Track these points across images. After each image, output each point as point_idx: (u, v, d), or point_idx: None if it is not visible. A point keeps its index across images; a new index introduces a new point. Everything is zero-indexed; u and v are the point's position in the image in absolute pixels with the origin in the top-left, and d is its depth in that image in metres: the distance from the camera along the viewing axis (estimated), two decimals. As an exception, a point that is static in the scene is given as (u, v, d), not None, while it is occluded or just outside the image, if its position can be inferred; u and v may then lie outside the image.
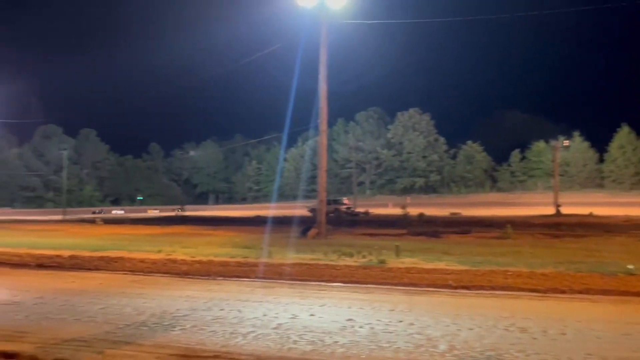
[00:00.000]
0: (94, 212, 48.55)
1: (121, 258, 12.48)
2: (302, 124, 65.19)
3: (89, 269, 11.30)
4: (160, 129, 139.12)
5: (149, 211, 42.82)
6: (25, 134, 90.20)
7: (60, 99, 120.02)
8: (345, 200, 51.69)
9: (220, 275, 10.10)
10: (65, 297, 7.89)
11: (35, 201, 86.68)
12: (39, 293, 8.26)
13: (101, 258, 12.56)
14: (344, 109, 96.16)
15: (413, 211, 36.33)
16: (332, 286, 8.85)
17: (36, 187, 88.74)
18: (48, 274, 10.87)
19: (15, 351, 4.41)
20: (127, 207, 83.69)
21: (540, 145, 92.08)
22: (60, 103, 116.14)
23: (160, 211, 47.28)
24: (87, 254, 13.24)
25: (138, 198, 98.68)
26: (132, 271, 10.91)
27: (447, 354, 4.78)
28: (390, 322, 6.03)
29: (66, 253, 13.35)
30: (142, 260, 12.07)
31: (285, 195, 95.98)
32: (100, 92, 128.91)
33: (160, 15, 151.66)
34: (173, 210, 50.43)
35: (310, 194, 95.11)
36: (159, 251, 13.45)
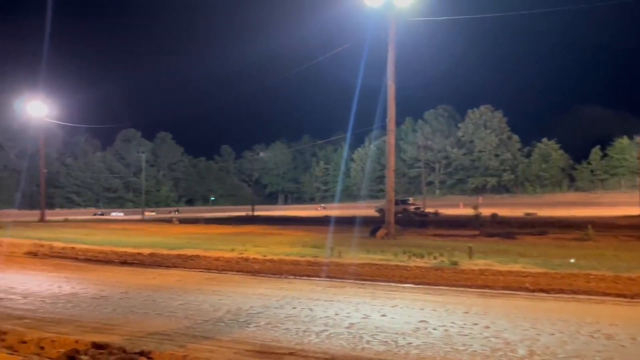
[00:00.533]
0: (94, 214, 50.42)
1: (197, 256, 12.95)
2: (369, 124, 65.03)
3: (167, 266, 11.82)
4: (232, 132, 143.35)
5: (146, 213, 43.74)
6: (108, 139, 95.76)
7: (138, 104, 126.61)
8: (411, 200, 50.96)
9: (291, 274, 10.25)
10: (147, 292, 8.30)
11: (116, 201, 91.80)
12: (124, 288, 8.74)
13: (178, 256, 13.09)
14: (412, 108, 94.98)
15: (485, 211, 35.19)
16: (403, 287, 8.76)
17: (118, 188, 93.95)
18: (130, 270, 11.47)
19: (105, 342, 4.70)
20: (202, 207, 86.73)
21: (623, 141, 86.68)
22: (139, 108, 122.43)
23: (156, 213, 48.35)
24: (165, 252, 13.84)
25: (211, 198, 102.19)
26: (208, 269, 11.30)
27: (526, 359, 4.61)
28: (465, 324, 5.89)
29: (146, 251, 14.02)
30: (216, 259, 12.48)
31: (352, 196, 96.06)
32: (175, 97, 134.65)
33: (230, 21, 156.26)
34: (169, 212, 51.26)
35: (377, 194, 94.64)
36: (232, 250, 13.84)
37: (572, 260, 10.11)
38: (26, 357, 3.72)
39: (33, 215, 42.89)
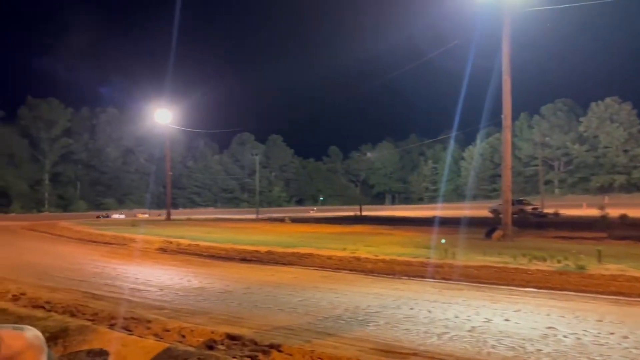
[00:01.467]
0: (97, 217, 51.09)
1: (310, 254, 13.28)
2: (480, 121, 62.51)
3: (283, 264, 12.27)
4: (339, 133, 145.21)
5: (138, 215, 43.30)
6: (224, 142, 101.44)
7: (251, 108, 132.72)
8: (528, 200, 48.15)
9: (405, 275, 10.18)
10: (268, 288, 8.70)
11: (232, 201, 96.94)
12: (246, 284, 9.23)
13: (293, 254, 13.52)
14: (527, 103, 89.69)
15: (612, 212, 32.37)
16: (525, 291, 8.35)
17: (233, 189, 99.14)
18: (250, 267, 12.06)
19: (238, 334, 5.01)
20: (316, 207, 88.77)
21: None
22: (252, 112, 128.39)
23: (149, 215, 48.26)
24: (280, 249, 14.34)
25: (320, 198, 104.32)
26: (322, 267, 11.57)
27: (675, 375, 4.20)
28: (599, 333, 5.49)
29: (263, 249, 14.63)
30: (329, 257, 12.72)
31: (463, 195, 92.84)
32: (285, 101, 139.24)
33: (337, 22, 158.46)
34: (159, 215, 51.13)
35: (490, 193, 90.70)
36: (344, 249, 14.00)
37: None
38: (172, 344, 4.07)
39: (159, 214, 46.55)
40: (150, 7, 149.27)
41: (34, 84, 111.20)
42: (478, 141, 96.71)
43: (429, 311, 6.78)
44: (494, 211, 39.90)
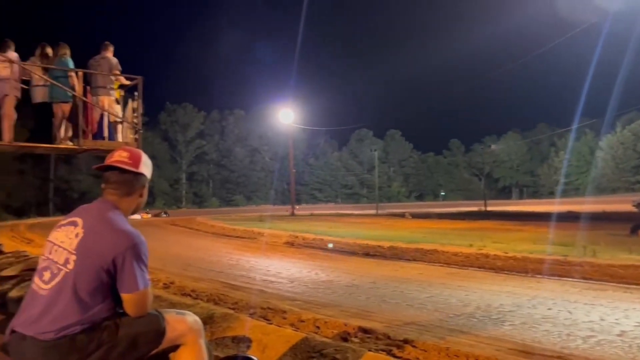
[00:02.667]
0: (157, 214, 47.11)
1: (435, 250, 13.02)
2: (621, 107, 56.74)
3: (407, 259, 12.17)
4: (460, 125, 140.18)
5: (143, 215, 38.36)
6: (343, 139, 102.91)
7: (369, 104, 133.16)
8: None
9: (538, 273, 9.61)
10: (394, 283, 8.69)
11: (352, 197, 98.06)
12: (371, 278, 9.31)
13: (416, 250, 13.35)
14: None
15: None
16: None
17: (353, 185, 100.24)
18: (373, 261, 12.13)
19: (370, 328, 5.08)
20: (431, 202, 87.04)
21: None
22: (370, 108, 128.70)
23: (152, 215, 44.35)
24: (403, 245, 14.24)
25: (441, 193, 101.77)
26: (447, 263, 11.29)
27: None
28: None
29: (385, 244, 14.64)
30: (455, 254, 12.38)
31: (602, 189, 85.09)
32: (403, 94, 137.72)
33: (455, 11, 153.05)
34: (157, 213, 47.71)
35: (632, 186, 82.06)
36: (470, 245, 13.55)
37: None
38: (308, 334, 4.23)
39: (284, 210, 48.53)
40: (274, 10, 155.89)
41: (171, 91, 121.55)
42: (619, 128, 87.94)
43: (570, 312, 6.33)
44: (638, 205, 36.13)
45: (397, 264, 11.61)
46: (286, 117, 46.29)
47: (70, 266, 2.08)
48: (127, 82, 8.72)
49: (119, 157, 2.31)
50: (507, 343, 4.85)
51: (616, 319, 5.92)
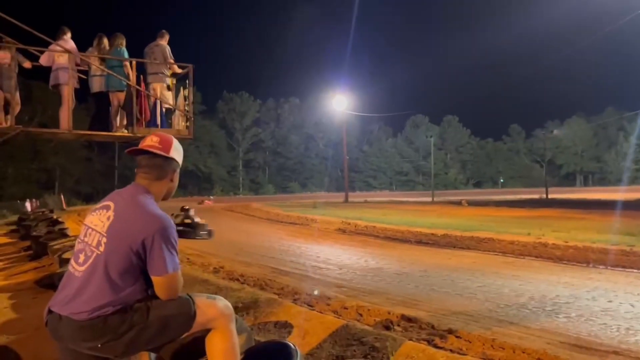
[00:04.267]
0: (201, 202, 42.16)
1: (490, 239, 12.67)
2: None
3: (461, 248, 11.87)
4: (521, 110, 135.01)
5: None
6: (398, 125, 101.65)
7: (425, 90, 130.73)
8: None
9: (600, 264, 9.13)
10: (445, 272, 8.50)
11: (407, 184, 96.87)
12: (422, 266, 9.14)
13: (471, 238, 13.04)
14: None
15: None
16: None
17: (408, 171, 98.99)
18: (426, 249, 11.92)
19: (414, 316, 4.98)
20: (490, 190, 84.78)
21: None
22: (426, 94, 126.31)
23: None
24: (457, 233, 13.94)
25: (500, 180, 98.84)
26: (503, 252, 10.94)
27: None
28: None
29: (439, 232, 14.36)
30: (511, 242, 11.99)
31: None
32: (460, 79, 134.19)
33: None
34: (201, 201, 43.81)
35: None
36: (528, 234, 13.09)
37: None
38: (349, 322, 4.19)
39: (338, 196, 48.60)
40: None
41: (229, 80, 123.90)
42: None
43: (632, 305, 5.97)
44: None
45: (450, 252, 11.36)
46: (340, 103, 46.15)
47: (102, 248, 2.13)
48: (179, 70, 8.90)
49: (150, 141, 2.34)
50: (559, 336, 4.62)
51: (685, 314, 5.53)
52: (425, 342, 3.93)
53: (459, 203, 36.53)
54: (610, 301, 6.21)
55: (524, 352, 3.92)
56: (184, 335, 2.31)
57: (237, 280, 7.09)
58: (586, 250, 10.42)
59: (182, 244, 11.50)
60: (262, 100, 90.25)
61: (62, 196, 41.06)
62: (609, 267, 8.86)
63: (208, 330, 2.35)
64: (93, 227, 2.22)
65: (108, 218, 2.19)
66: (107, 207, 2.25)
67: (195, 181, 76.56)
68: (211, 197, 16.68)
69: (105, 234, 2.15)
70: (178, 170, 2.42)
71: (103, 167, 58.27)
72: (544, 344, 4.29)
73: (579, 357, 3.98)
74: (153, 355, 2.74)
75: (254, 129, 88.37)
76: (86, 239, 2.22)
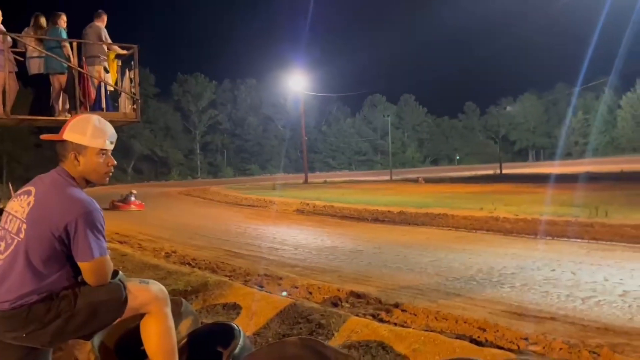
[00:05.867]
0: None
1: (444, 215, 12.93)
2: (642, 63, 54.95)
3: (416, 224, 12.10)
4: (475, 88, 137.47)
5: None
6: (356, 105, 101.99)
7: (382, 69, 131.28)
8: None
9: (548, 235, 9.48)
10: (399, 248, 8.64)
11: (366, 164, 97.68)
12: (377, 244, 9.27)
13: (426, 214, 13.28)
14: None
15: None
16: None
17: (366, 151, 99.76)
18: (382, 227, 12.09)
19: (363, 292, 5.05)
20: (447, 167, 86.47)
21: None
22: (382, 73, 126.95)
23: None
24: (413, 210, 14.16)
25: (456, 157, 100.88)
26: (456, 227, 11.21)
27: None
28: None
29: (395, 209, 14.55)
30: (464, 218, 12.28)
31: (622, 148, 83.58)
32: (416, 58, 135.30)
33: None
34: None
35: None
36: (481, 209, 13.43)
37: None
38: (297, 300, 4.21)
39: (298, 178, 48.62)
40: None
41: (183, 62, 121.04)
42: (639, 86, 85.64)
43: (574, 273, 6.23)
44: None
45: (406, 229, 11.56)
46: (297, 84, 45.86)
47: (22, 235, 2.04)
48: (123, 52, 8.59)
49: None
50: (502, 305, 4.78)
51: (620, 280, 5.81)
52: (371, 317, 3.99)
53: (416, 181, 37.07)
54: (553, 270, 6.45)
55: (465, 322, 4.03)
56: (117, 321, 2.26)
57: (189, 264, 7.00)
58: (535, 223, 10.77)
59: (134, 229, 11.25)
60: (218, 81, 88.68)
61: (10, 185, 39.48)
62: (555, 238, 9.21)
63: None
64: (13, 214, 2.12)
65: (28, 204, 2.10)
66: (28, 193, 2.15)
67: (151, 166, 74.98)
68: (133, 193, 15.79)
69: (25, 220, 2.06)
70: (90, 151, 2.21)
71: (54, 154, 56.10)
72: (486, 314, 4.43)
73: (517, 324, 4.12)
74: (97, 341, 2.68)
75: (210, 111, 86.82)
76: (6, 226, 2.12)
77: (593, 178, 26.84)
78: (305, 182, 41.98)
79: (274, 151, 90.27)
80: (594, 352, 3.25)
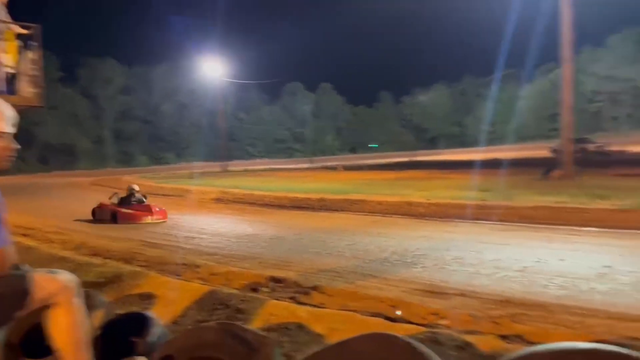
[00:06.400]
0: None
1: (362, 200, 13.23)
2: (542, 57, 59.10)
3: (335, 210, 12.35)
4: (390, 77, 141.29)
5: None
6: (275, 93, 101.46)
7: (300, 57, 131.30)
8: (589, 138, 45.67)
9: (458, 217, 10.00)
10: (318, 234, 8.77)
11: (286, 152, 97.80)
12: (297, 230, 9.36)
13: (344, 200, 13.52)
14: (590, 35, 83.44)
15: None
16: (584, 231, 8.04)
17: (286, 139, 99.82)
18: (302, 214, 12.21)
19: (282, 277, 5.09)
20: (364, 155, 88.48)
21: None
22: (301, 61, 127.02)
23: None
24: (332, 196, 14.36)
25: (373, 145, 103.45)
26: (372, 212, 11.55)
27: None
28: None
29: (315, 196, 14.70)
30: (379, 203, 12.64)
31: (524, 137, 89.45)
32: (334, 48, 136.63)
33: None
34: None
35: (550, 133, 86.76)
36: (395, 194, 13.89)
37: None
38: (215, 287, 4.18)
39: (216, 166, 47.73)
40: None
41: (90, 44, 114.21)
42: (539, 78, 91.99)
43: (480, 253, 6.64)
44: (554, 151, 38.29)
45: (325, 215, 11.75)
46: (214, 70, 44.86)
47: None
48: (23, 31, 7.98)
49: None
50: (415, 284, 5.02)
51: (521, 257, 6.26)
52: (290, 300, 4.05)
53: (334, 168, 37.68)
54: (462, 250, 6.84)
55: (381, 302, 4.20)
56: (24, 313, 2.14)
57: (101, 255, 6.71)
58: (446, 207, 11.30)
59: (39, 222, 10.56)
60: (129, 66, 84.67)
61: None
62: (464, 220, 9.73)
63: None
64: None
65: None
66: None
67: (57, 155, 70.54)
68: (136, 190, 14.39)
69: None
70: None
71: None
72: (400, 292, 4.64)
73: (428, 301, 4.36)
74: (0, 336, 2.51)
75: (121, 97, 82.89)
76: None
77: (499, 164, 28.58)
78: (225, 170, 41.38)
79: (191, 139, 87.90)
80: (496, 322, 3.51)
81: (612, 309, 4.06)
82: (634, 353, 1.46)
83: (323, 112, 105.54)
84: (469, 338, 2.54)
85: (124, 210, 11.60)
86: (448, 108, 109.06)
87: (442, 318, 3.75)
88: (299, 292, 4.51)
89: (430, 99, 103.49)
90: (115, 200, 12.25)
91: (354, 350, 1.79)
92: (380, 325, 3.07)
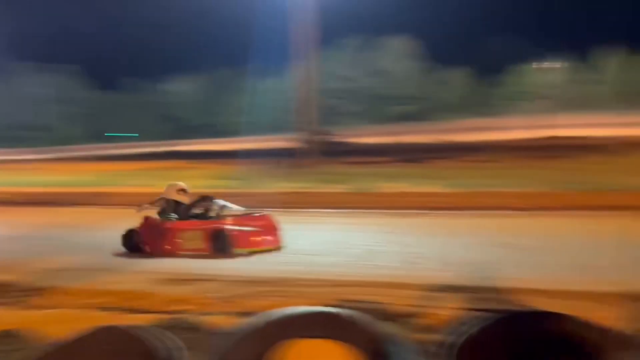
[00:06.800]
0: None
1: (112, 193, 12.64)
2: (293, 53, 63.36)
3: (81, 204, 11.51)
4: (144, 65, 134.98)
5: None
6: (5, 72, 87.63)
7: (34, 35, 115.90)
8: (326, 130, 51.13)
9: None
10: (59, 230, 8.18)
11: (21, 140, 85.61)
12: (34, 228, 8.52)
13: (93, 194, 12.74)
14: (324, 36, 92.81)
15: (402, 139, 36.24)
16: (322, 212, 9.03)
17: (20, 126, 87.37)
18: (42, 210, 11.22)
19: (10, 281, 4.52)
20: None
21: (525, 68, 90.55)
22: (40, 39, 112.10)
23: None
24: (78, 190, 13.48)
25: (128, 135, 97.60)
26: (121, 205, 10.97)
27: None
28: (384, 243, 6.21)
29: (59, 190, 13.44)
30: (129, 194, 12.06)
31: (271, 128, 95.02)
32: (83, 29, 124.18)
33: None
34: None
35: (293, 125, 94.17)
36: (149, 185, 13.42)
37: None
38: None
39: None
40: None
41: None
42: (285, 73, 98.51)
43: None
44: (296, 141, 41.65)
45: (69, 210, 10.79)
46: None
47: None
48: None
49: None
50: (156, 275, 5.04)
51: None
52: (19, 305, 3.65)
53: (83, 159, 34.75)
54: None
55: (123, 295, 4.08)
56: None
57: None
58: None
59: None
60: None
61: None
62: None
63: None
64: None
65: None
66: None
67: None
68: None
69: None
70: None
71: None
72: (143, 284, 4.62)
73: (172, 289, 4.43)
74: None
75: None
76: None
77: (251, 154, 29.83)
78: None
79: None
80: (229, 301, 3.75)
81: (339, 278, 4.68)
82: (338, 310, 1.72)
83: (65, 98, 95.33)
84: (204, 319, 2.65)
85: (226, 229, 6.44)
86: (205, 99, 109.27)
87: (187, 304, 3.82)
88: (30, 295, 4.08)
89: (188, 89, 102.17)
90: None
91: (78, 346, 1.72)
92: (121, 319, 2.99)
